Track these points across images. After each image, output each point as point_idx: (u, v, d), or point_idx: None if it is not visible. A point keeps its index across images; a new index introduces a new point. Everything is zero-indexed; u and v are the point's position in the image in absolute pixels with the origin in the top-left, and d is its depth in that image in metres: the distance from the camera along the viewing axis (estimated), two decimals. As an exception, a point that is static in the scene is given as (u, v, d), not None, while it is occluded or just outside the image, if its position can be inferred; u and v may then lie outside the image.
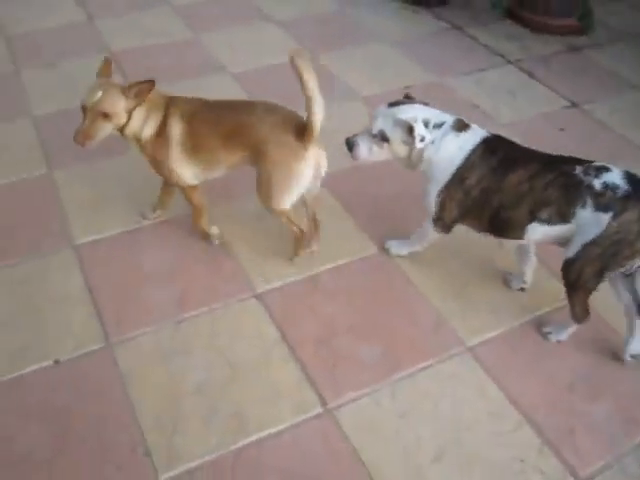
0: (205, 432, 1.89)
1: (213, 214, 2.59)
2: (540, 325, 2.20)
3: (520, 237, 2.07)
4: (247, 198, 2.65)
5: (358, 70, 3.62)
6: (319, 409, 1.95)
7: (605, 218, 1.87)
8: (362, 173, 2.76)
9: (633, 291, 2.04)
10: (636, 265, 1.94)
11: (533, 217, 2.00)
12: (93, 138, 2.13)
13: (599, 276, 1.95)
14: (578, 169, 1.95)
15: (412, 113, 2.12)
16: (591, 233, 1.89)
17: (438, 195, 2.15)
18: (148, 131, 2.21)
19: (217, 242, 2.48)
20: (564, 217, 1.95)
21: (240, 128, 2.16)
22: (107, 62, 2.24)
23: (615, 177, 1.91)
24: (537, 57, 3.82)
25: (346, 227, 2.58)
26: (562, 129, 3.18)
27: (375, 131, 2.16)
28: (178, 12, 4.22)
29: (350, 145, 2.21)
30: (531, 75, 3.65)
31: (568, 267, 1.97)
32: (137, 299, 2.28)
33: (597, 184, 1.90)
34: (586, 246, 1.91)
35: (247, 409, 1.95)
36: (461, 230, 2.24)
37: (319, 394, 1.99)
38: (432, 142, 2.11)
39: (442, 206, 2.16)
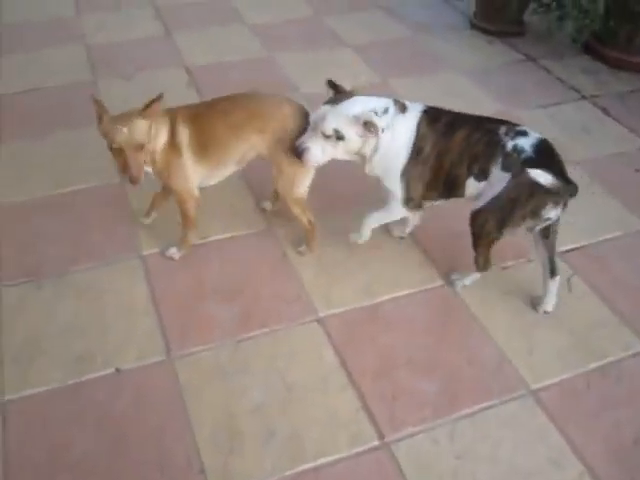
0: (261, 454, 1.89)
1: (279, 235, 2.61)
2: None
3: (463, 194, 2.22)
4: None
5: (428, 97, 3.53)
6: (376, 442, 1.93)
7: (507, 177, 2.05)
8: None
9: (550, 252, 2.24)
10: (538, 226, 2.15)
11: (470, 172, 2.15)
12: (142, 171, 2.13)
13: (499, 229, 2.13)
14: (502, 129, 2.12)
15: (361, 107, 2.16)
16: (497, 189, 2.07)
17: (402, 177, 2.23)
18: (159, 144, 2.22)
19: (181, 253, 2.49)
20: (485, 173, 2.13)
21: (255, 115, 2.26)
22: (97, 102, 2.10)
23: (526, 142, 2.07)
24: (613, 94, 3.74)
25: (411, 257, 2.55)
26: (638, 170, 3.10)
27: (329, 131, 2.16)
28: (253, 31, 4.29)
29: (300, 150, 2.21)
30: (606, 112, 3.57)
31: (475, 217, 2.16)
32: (200, 314, 2.30)
33: (509, 145, 2.08)
34: (492, 200, 2.09)
35: (304, 434, 1.94)
36: (531, 268, 2.20)
37: (376, 426, 1.97)
38: (385, 129, 2.18)
39: (408, 185, 2.24)
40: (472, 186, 2.18)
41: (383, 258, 2.54)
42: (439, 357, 2.17)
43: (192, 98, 3.51)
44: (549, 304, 2.32)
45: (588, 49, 4.13)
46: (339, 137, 2.17)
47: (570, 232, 2.63)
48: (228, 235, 2.62)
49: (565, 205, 2.11)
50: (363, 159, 2.26)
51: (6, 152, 3.09)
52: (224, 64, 3.87)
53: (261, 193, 2.83)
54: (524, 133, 2.11)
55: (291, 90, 3.62)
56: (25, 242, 2.58)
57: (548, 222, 2.14)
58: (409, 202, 2.29)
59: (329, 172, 2.40)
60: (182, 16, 4.49)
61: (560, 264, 2.47)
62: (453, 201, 2.30)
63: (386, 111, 2.18)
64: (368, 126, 2.13)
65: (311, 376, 2.10)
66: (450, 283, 2.42)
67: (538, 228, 2.18)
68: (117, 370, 2.12)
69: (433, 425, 1.97)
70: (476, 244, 2.23)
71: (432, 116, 2.21)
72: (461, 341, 2.23)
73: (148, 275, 2.45)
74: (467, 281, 2.40)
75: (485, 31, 4.37)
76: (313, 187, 2.40)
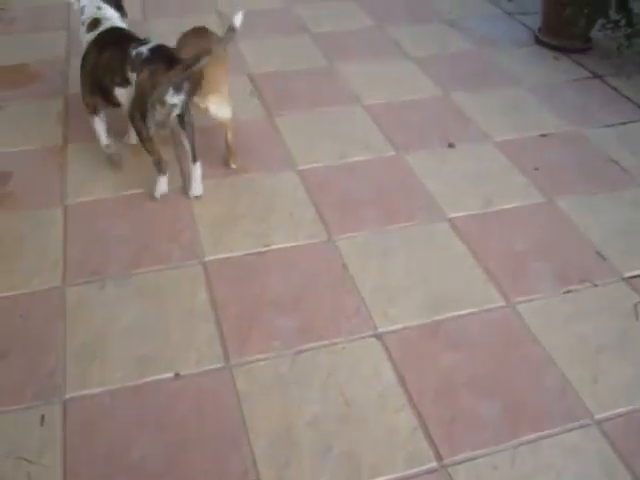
0: (317, 469, 1.87)
1: (340, 245, 2.60)
2: None
3: (118, 104, 2.70)
4: (373, 233, 2.65)
5: (491, 113, 3.55)
6: (434, 463, 1.89)
7: (135, 76, 2.53)
8: (497, 217, 2.74)
9: (190, 141, 2.74)
10: (171, 114, 2.61)
11: (113, 83, 2.64)
12: None
13: (144, 121, 2.56)
14: (133, 45, 2.57)
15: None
16: (133, 90, 2.56)
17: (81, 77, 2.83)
18: None
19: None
20: (126, 80, 2.59)
21: None
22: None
23: (144, 48, 2.55)
24: (684, 115, 3.62)
25: (473, 275, 2.51)
26: None
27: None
28: (317, 41, 4.29)
29: None
30: (677, 133, 3.46)
31: (128, 117, 2.65)
32: (259, 323, 2.30)
33: (133, 53, 2.54)
34: (131, 100, 2.58)
35: (360, 450, 1.92)
36: (595, 293, 2.12)
37: (435, 448, 1.93)
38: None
39: (82, 87, 2.84)
40: (121, 94, 2.65)
41: (445, 275, 2.50)
42: (500, 380, 2.12)
43: (255, 106, 3.54)
44: (197, 189, 2.82)
45: (659, 68, 4.01)
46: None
47: (637, 258, 2.56)
48: (289, 245, 2.62)
49: (187, 92, 2.59)
50: None
51: (74, 152, 3.16)
52: (287, 72, 3.89)
53: (321, 202, 2.83)
54: (145, 42, 2.59)
55: (351, 100, 3.61)
56: (90, 243, 2.63)
57: (175, 108, 2.59)
58: (86, 105, 2.86)
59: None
60: (247, 24, 4.51)
61: (626, 290, 2.39)
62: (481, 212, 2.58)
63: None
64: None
65: (369, 392, 2.08)
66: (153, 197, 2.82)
67: (173, 118, 2.65)
68: (176, 375, 2.13)
69: (493, 450, 1.92)
70: (142, 143, 2.68)
71: (101, 37, 2.73)
72: (523, 364, 2.18)
73: (209, 281, 2.46)
74: (162, 188, 2.81)
75: (551, 47, 4.28)
76: (369, 203, 2.37)
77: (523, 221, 2.77)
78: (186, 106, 2.65)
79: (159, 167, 2.76)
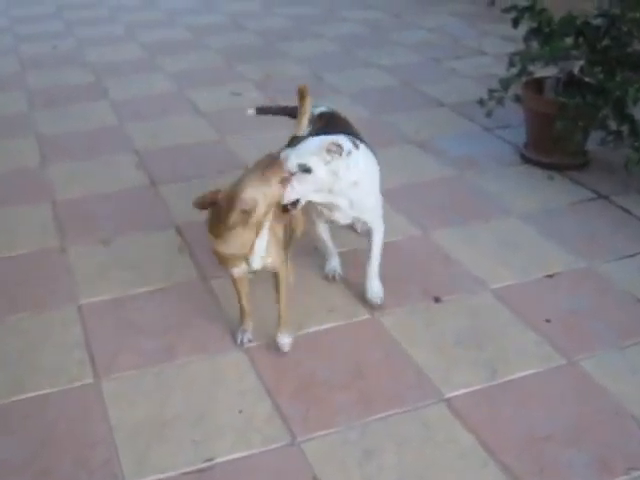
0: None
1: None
2: None
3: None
4: (349, 428, 2.51)
5: (483, 253, 3.51)
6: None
7: None
8: (506, 392, 2.63)
9: None
10: None
11: None
12: None
13: None
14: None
15: (320, 139, 2.75)
16: None
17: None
18: None
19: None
20: None
21: None
22: None
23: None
24: None
25: (488, 476, 2.33)
26: None
27: (293, 168, 2.60)
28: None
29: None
30: None
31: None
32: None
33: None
34: None
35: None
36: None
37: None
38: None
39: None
40: None
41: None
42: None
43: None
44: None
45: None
46: (305, 170, 2.61)
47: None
48: (239, 455, 2.44)
49: None
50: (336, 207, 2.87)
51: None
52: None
53: (278, 389, 2.69)
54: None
55: (311, 253, 3.54)
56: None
57: None
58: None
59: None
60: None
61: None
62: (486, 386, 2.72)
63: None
64: (332, 148, 2.63)
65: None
66: None
67: None
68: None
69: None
70: None
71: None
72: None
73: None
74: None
75: (541, 165, 4.36)
76: (340, 386, 2.50)
77: (541, 394, 2.66)
78: None
79: None
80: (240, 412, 2.60)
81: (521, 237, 3.65)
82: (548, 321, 3.01)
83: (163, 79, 6.21)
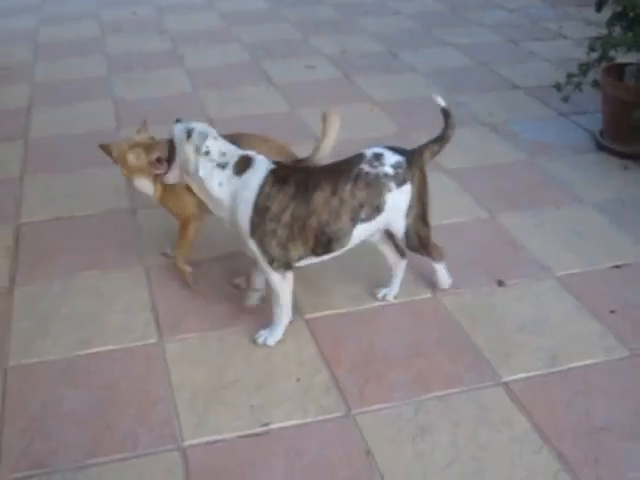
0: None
1: (362, 423, 2.46)
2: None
3: (347, 244, 2.71)
4: (404, 404, 2.53)
5: (550, 239, 3.46)
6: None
7: (408, 188, 2.72)
8: (566, 380, 2.58)
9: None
10: None
11: (355, 222, 2.65)
12: None
13: (426, 224, 2.84)
14: (365, 166, 2.65)
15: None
16: (403, 204, 2.73)
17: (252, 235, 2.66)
18: None
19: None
20: (379, 209, 2.68)
21: None
22: None
23: (390, 156, 2.69)
24: None
25: (542, 464, 2.32)
26: None
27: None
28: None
29: None
30: None
31: (409, 239, 2.83)
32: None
33: (389, 169, 2.67)
34: (407, 215, 2.76)
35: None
36: None
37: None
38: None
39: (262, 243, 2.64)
40: (364, 229, 2.70)
41: (503, 463, 2.33)
42: None
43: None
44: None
45: None
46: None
47: None
48: (294, 422, 2.49)
49: None
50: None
51: (23, 299, 3.09)
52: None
53: (336, 361, 2.72)
54: (380, 153, 2.70)
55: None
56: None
57: None
58: (272, 262, 2.65)
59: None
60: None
61: None
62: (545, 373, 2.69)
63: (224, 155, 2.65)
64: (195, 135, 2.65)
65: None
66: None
67: None
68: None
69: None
70: (427, 251, 2.91)
71: (279, 176, 2.62)
72: None
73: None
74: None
75: (617, 153, 4.26)
76: (398, 363, 2.54)
77: (601, 384, 2.62)
78: None
79: (442, 254, 3.01)
80: (298, 380, 2.64)
81: (591, 226, 3.59)
82: (613, 312, 2.97)
83: (239, 49, 6.26)
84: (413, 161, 2.73)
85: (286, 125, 4.67)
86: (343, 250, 2.73)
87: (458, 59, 5.94)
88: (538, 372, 2.67)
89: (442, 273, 3.03)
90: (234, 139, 2.83)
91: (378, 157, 2.68)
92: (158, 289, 3.15)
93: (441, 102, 2.92)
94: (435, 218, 3.58)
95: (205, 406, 2.54)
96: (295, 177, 2.63)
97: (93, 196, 3.90)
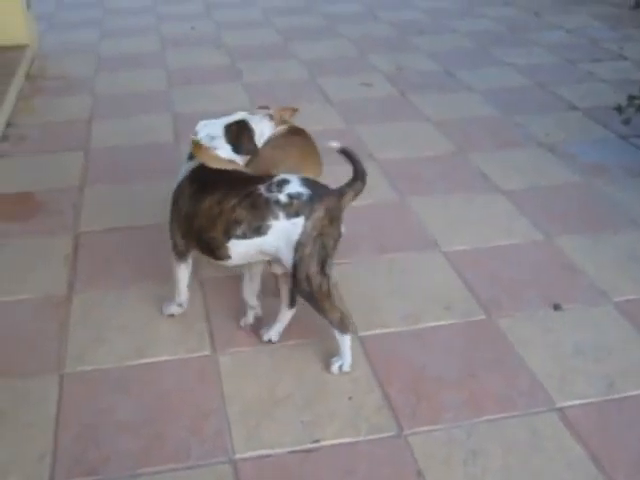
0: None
1: (413, 443, 2.45)
2: None
3: (228, 256, 2.67)
4: (456, 426, 2.51)
5: (607, 264, 3.41)
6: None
7: (300, 222, 2.53)
8: (624, 408, 2.54)
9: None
10: None
11: (229, 236, 2.61)
12: None
13: (324, 272, 2.60)
14: (262, 188, 2.57)
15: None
16: (292, 236, 2.55)
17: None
18: None
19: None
20: (259, 231, 2.58)
21: None
22: None
23: (294, 186, 2.56)
24: None
25: None
26: None
27: None
28: (383, 169, 4.30)
29: None
30: None
31: (298, 280, 2.61)
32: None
33: (283, 197, 2.54)
34: (296, 250, 2.56)
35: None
36: None
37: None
38: None
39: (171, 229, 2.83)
40: (241, 246, 2.62)
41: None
42: None
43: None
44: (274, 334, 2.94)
45: None
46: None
47: None
48: (345, 440, 2.48)
49: None
50: None
51: (80, 306, 3.13)
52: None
53: (388, 381, 2.71)
54: (286, 181, 2.59)
55: (428, 246, 3.54)
56: (88, 428, 2.55)
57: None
58: (174, 247, 2.86)
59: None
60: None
61: None
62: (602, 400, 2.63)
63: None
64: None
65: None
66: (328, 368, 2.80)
67: None
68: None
69: None
70: (319, 306, 2.66)
71: (195, 174, 2.72)
72: None
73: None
74: (346, 358, 2.75)
75: (679, 176, 4.19)
76: (450, 383, 2.33)
77: (660, 414, 2.56)
78: None
79: (344, 324, 2.71)
80: (350, 399, 2.63)
81: (653, 252, 3.53)
82: (672, 341, 2.91)
83: (296, 65, 6.31)
84: (321, 199, 2.54)
85: (342, 142, 4.67)
86: (232, 262, 2.71)
87: (515, 79, 5.91)
88: (594, 399, 2.62)
89: (345, 348, 2.73)
90: (290, 131, 3.11)
91: (281, 183, 2.57)
92: (212, 301, 3.18)
93: (335, 145, 2.74)
94: (490, 239, 3.61)
95: (256, 420, 2.55)
96: (207, 177, 2.69)
97: (150, 207, 3.95)
